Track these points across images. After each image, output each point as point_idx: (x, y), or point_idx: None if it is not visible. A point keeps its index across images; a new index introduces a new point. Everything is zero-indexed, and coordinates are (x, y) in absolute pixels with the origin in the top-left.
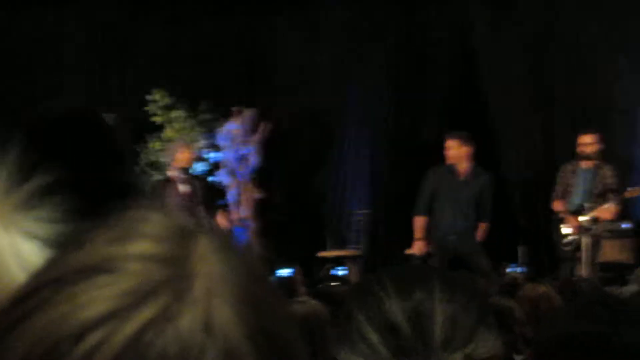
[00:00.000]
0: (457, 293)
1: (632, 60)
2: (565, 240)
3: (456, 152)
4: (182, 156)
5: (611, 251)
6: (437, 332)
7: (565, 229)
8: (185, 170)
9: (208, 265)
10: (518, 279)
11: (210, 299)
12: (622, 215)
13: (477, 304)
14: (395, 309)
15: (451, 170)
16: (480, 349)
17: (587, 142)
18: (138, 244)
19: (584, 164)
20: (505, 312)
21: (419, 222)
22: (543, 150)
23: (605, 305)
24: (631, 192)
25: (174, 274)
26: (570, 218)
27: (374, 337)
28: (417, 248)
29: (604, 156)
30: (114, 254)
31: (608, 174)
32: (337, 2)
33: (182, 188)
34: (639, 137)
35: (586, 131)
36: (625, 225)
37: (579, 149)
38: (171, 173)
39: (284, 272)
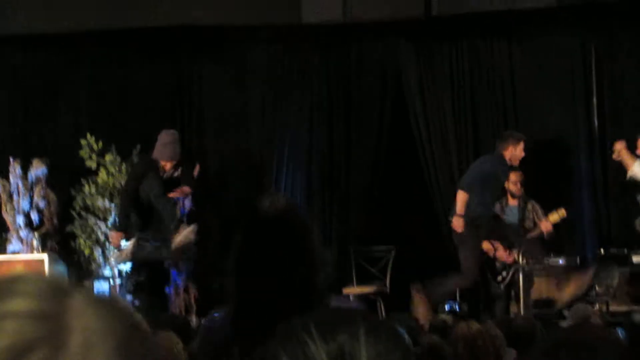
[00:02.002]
0: (381, 336)
1: (563, 98)
2: (498, 278)
3: None
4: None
5: (546, 288)
6: None
7: (498, 266)
8: None
9: (84, 320)
10: (447, 321)
11: (88, 352)
12: (555, 251)
13: (402, 347)
14: (319, 352)
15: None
16: None
17: (516, 179)
18: (13, 301)
19: (512, 201)
20: (440, 352)
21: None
22: None
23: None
24: (555, 215)
25: (50, 329)
26: (503, 254)
27: None
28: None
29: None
30: None
31: (535, 207)
32: (263, 43)
33: None
34: (573, 171)
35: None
36: (559, 262)
37: (511, 187)
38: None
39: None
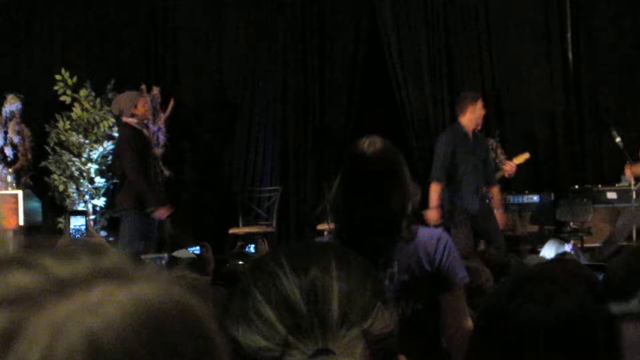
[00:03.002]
0: (353, 269)
1: (537, 32)
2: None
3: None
4: (144, 108)
5: (521, 223)
6: (334, 308)
7: None
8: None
9: (92, 297)
10: None
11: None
12: (530, 189)
13: (373, 280)
14: (292, 285)
15: (465, 132)
16: (377, 324)
17: None
18: (58, 263)
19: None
20: None
21: (438, 189)
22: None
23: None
24: (520, 157)
25: (52, 287)
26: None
27: (270, 314)
28: (433, 217)
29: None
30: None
31: (496, 148)
32: None
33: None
34: (547, 105)
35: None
36: (535, 199)
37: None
38: (133, 121)
39: (193, 250)
